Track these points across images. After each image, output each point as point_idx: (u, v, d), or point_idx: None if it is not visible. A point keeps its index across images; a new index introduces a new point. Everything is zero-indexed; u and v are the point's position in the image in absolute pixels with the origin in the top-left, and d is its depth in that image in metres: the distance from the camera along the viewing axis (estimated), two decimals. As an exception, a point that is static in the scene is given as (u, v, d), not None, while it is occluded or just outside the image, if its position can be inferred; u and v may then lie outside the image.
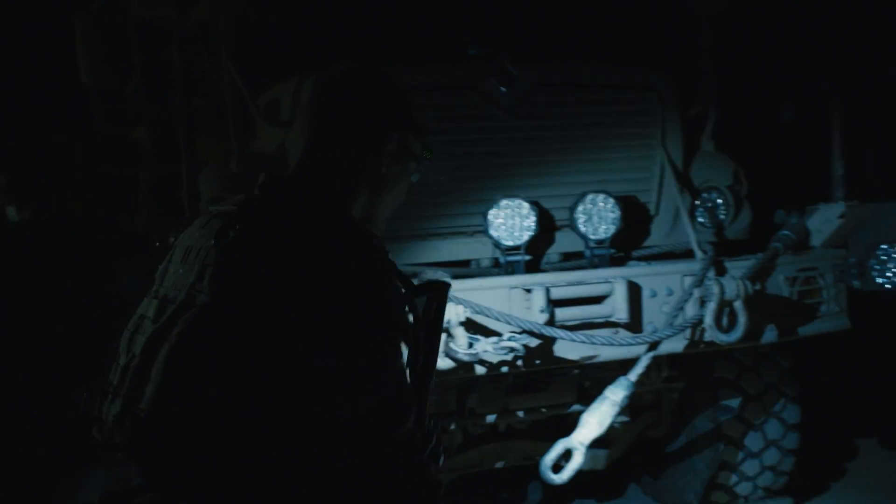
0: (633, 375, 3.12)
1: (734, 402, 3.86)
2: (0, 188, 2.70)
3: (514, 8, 3.92)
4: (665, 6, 4.22)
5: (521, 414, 3.67)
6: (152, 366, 1.44)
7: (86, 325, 2.42)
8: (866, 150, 5.75)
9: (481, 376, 3.08)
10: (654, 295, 3.19)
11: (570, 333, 2.98)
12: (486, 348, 2.92)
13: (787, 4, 6.14)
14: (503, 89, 3.41)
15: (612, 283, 3.09)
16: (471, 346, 2.90)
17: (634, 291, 3.13)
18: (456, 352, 2.87)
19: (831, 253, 3.49)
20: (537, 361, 3.06)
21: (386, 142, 1.63)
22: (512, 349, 2.95)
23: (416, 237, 3.37)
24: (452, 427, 3.55)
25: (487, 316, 2.92)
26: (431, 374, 1.59)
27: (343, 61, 1.68)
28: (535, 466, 3.19)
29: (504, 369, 3.03)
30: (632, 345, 3.07)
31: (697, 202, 3.70)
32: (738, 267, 3.26)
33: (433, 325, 1.60)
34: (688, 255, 3.50)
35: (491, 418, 3.63)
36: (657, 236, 3.69)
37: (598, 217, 3.36)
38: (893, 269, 3.36)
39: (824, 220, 3.53)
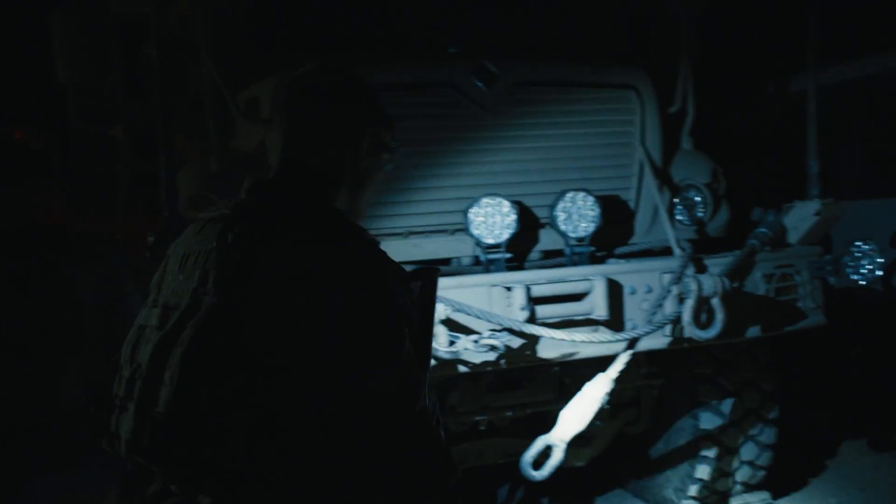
0: (613, 372, 3.15)
1: (713, 399, 3.89)
2: None
3: (495, 6, 3.93)
4: (644, 5, 4.25)
5: (502, 411, 3.68)
6: (164, 371, 1.46)
7: (41, 334, 2.41)
8: (843, 147, 5.83)
9: (462, 374, 3.08)
10: (633, 292, 3.21)
11: (550, 331, 3.00)
12: (467, 346, 2.92)
13: (766, 4, 6.21)
14: (483, 87, 3.42)
15: (592, 280, 3.11)
16: (452, 343, 2.91)
17: (614, 289, 3.15)
18: (437, 350, 2.87)
19: (807, 250, 3.53)
20: (518, 359, 3.07)
21: (362, 136, 1.67)
22: (493, 347, 2.96)
23: (397, 235, 3.37)
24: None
25: (468, 314, 2.93)
26: (429, 355, 1.66)
27: (313, 60, 1.72)
28: (517, 464, 3.20)
29: (485, 367, 3.04)
30: (611, 342, 3.09)
31: (676, 200, 3.73)
32: (715, 264, 3.29)
33: (427, 309, 1.66)
34: (667, 252, 3.54)
35: (472, 416, 3.64)
36: (637, 234, 3.72)
37: (577, 215, 3.38)
38: (867, 266, 3.41)
39: (800, 218, 3.57)
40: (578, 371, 3.50)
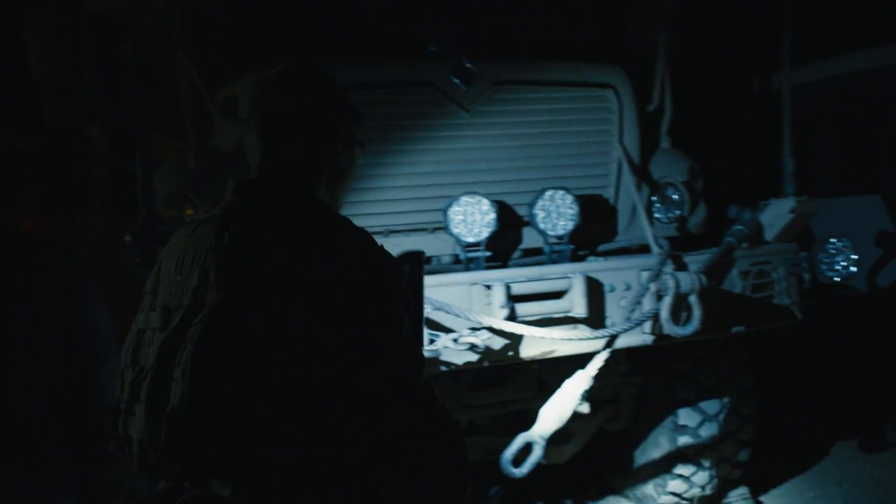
0: (592, 369, 3.16)
1: (692, 395, 3.92)
2: None
3: (473, 5, 3.93)
4: (622, 4, 4.27)
5: (482, 410, 3.68)
6: (172, 369, 1.47)
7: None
8: (817, 146, 5.89)
9: (442, 372, 3.09)
10: (612, 290, 3.23)
11: (530, 329, 3.01)
12: (447, 344, 2.92)
13: (744, 3, 6.26)
14: (462, 86, 3.42)
15: (571, 278, 3.12)
16: (431, 342, 2.90)
17: (593, 287, 3.17)
18: (417, 348, 2.87)
19: (783, 247, 3.56)
20: (498, 357, 3.08)
21: (337, 133, 1.70)
22: (473, 345, 2.96)
23: (377, 234, 3.32)
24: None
25: (448, 312, 2.93)
26: (422, 336, 1.74)
27: (287, 59, 1.75)
28: (497, 462, 3.21)
29: (465, 365, 3.04)
30: (590, 339, 3.10)
31: (654, 198, 3.75)
32: (693, 261, 3.31)
33: (416, 291, 1.73)
34: (645, 250, 3.56)
35: (452, 414, 3.63)
36: (615, 232, 3.74)
37: (556, 213, 3.39)
38: (842, 262, 3.45)
39: (776, 215, 3.61)
40: (558, 369, 3.51)
